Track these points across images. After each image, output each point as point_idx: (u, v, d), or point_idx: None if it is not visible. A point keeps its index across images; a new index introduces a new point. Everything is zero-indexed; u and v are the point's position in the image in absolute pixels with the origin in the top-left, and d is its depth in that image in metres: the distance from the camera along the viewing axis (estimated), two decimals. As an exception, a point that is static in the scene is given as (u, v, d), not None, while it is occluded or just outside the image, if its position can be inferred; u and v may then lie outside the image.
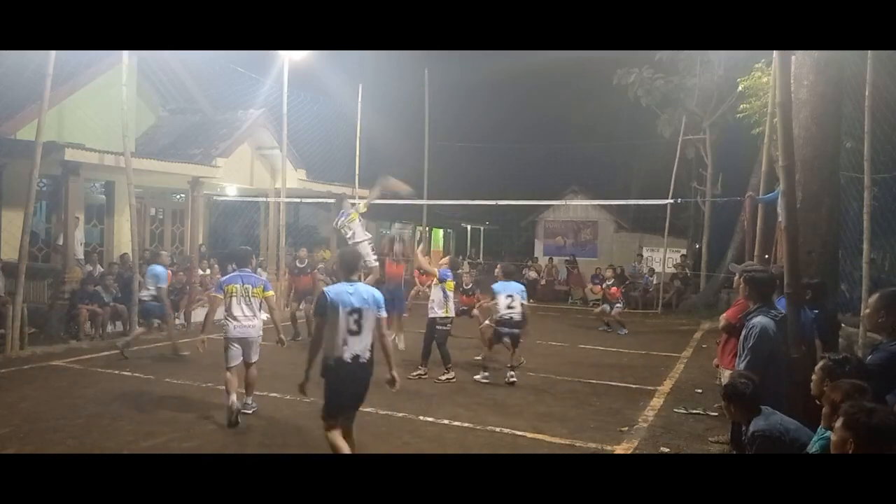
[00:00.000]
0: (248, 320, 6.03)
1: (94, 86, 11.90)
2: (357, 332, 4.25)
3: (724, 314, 5.56)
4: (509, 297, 7.98)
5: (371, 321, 4.33)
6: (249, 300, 6.04)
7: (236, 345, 6.00)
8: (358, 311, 4.26)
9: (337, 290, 4.32)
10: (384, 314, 4.46)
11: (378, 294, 4.45)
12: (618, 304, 12.79)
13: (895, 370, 3.27)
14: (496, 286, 8.20)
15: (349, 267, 4.53)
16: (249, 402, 6.23)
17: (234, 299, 5.99)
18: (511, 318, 7.91)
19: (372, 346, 4.36)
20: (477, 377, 7.90)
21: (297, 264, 11.12)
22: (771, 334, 4.16)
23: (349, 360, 4.22)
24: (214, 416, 6.07)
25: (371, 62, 22.56)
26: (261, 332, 6.21)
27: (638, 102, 17.29)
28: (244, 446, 5.33)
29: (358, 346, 4.26)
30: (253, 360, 6.16)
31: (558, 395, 7.14)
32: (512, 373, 7.83)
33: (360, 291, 4.36)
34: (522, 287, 8.39)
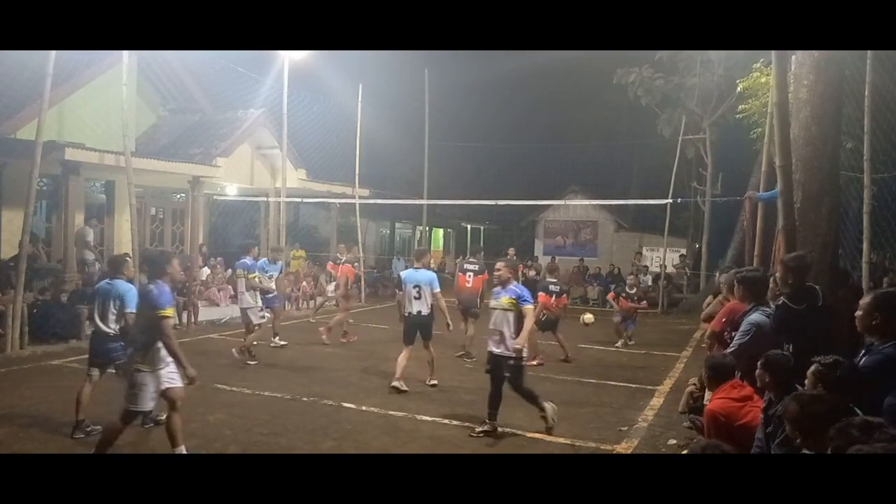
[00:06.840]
0: None
1: (94, 85, 11.92)
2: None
3: (710, 325, 5.39)
4: (416, 288, 7.19)
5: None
6: None
7: None
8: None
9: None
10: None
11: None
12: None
13: (889, 373, 3.17)
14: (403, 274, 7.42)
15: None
16: None
17: None
18: (420, 311, 7.21)
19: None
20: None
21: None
22: (765, 331, 4.41)
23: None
24: (215, 416, 6.07)
25: (371, 62, 22.58)
26: None
27: (638, 102, 17.28)
28: (245, 446, 5.33)
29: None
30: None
31: (558, 395, 7.12)
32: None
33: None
34: (433, 276, 7.35)
